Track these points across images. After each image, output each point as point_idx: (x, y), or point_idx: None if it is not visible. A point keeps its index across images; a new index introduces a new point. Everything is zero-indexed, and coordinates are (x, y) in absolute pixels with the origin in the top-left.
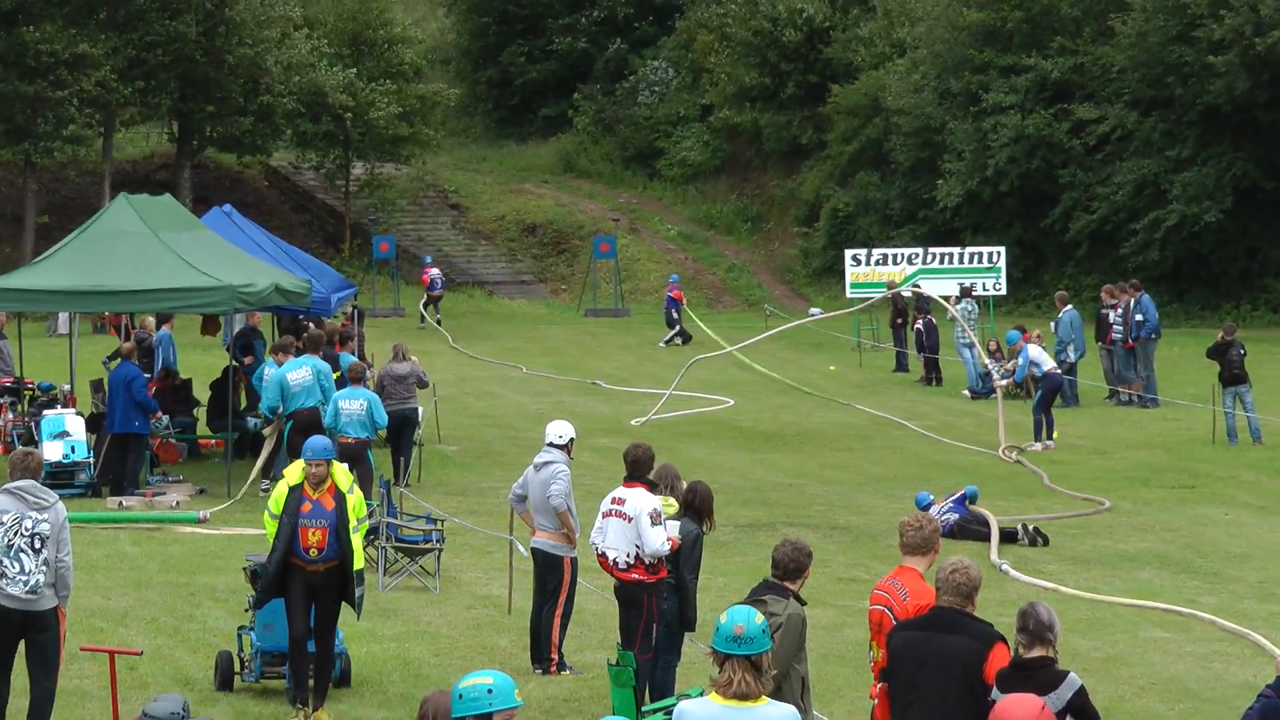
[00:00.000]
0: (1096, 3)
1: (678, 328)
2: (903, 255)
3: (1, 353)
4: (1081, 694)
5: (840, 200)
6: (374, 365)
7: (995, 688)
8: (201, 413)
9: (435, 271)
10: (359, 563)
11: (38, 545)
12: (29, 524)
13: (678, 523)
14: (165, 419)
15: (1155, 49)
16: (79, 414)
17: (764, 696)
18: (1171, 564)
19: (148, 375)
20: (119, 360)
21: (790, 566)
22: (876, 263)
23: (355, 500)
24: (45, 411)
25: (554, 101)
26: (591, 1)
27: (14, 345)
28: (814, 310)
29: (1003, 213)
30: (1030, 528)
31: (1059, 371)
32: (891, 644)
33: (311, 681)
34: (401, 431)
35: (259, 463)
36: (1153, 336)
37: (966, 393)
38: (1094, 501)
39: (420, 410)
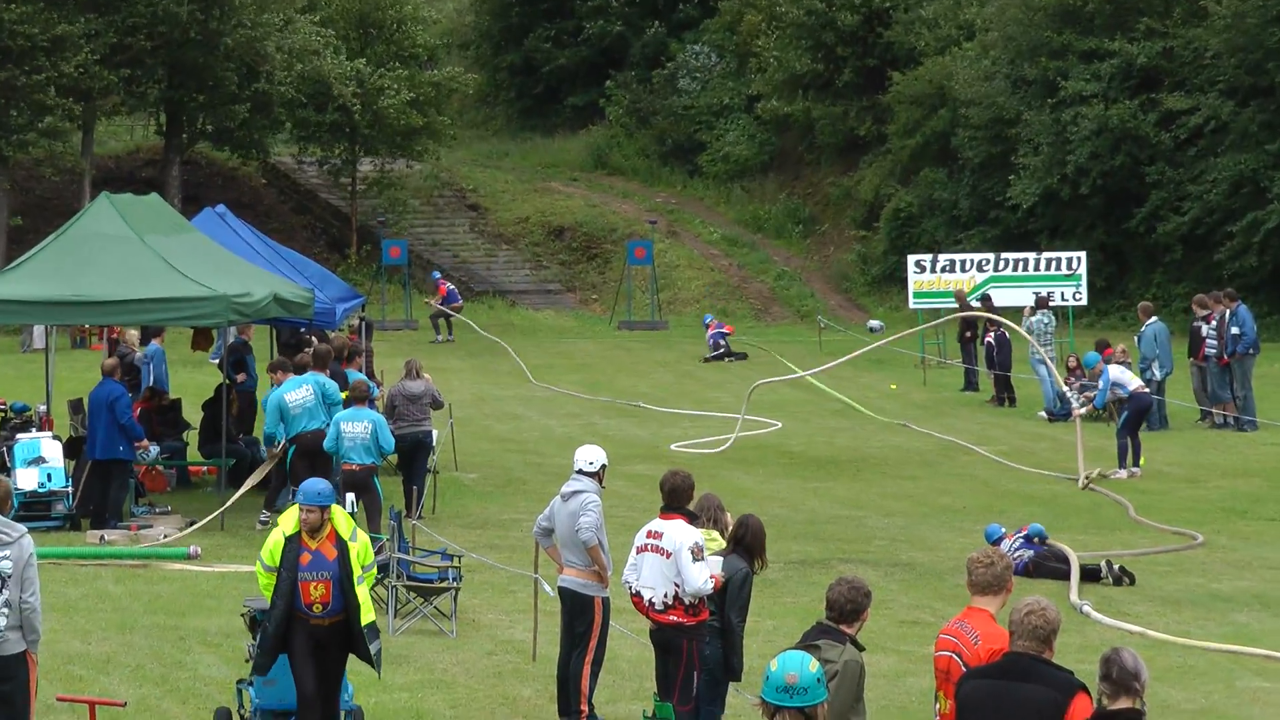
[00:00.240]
0: None
1: (725, 347)
2: (971, 261)
3: None
4: None
5: (902, 200)
6: (383, 384)
7: None
8: (192, 436)
9: (451, 288)
10: (367, 616)
11: None
12: None
13: (720, 559)
14: (154, 450)
15: (1253, 31)
16: (56, 438)
17: None
18: (1272, 605)
19: (132, 395)
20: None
21: (847, 608)
22: (942, 270)
23: (359, 548)
24: (19, 435)
25: (584, 90)
26: None
27: None
28: (873, 323)
29: (1083, 214)
30: (1114, 565)
31: (1147, 390)
32: (961, 694)
33: None
34: (414, 457)
35: (245, 485)
36: (1250, 351)
37: (1043, 414)
38: (1185, 535)
39: (435, 434)
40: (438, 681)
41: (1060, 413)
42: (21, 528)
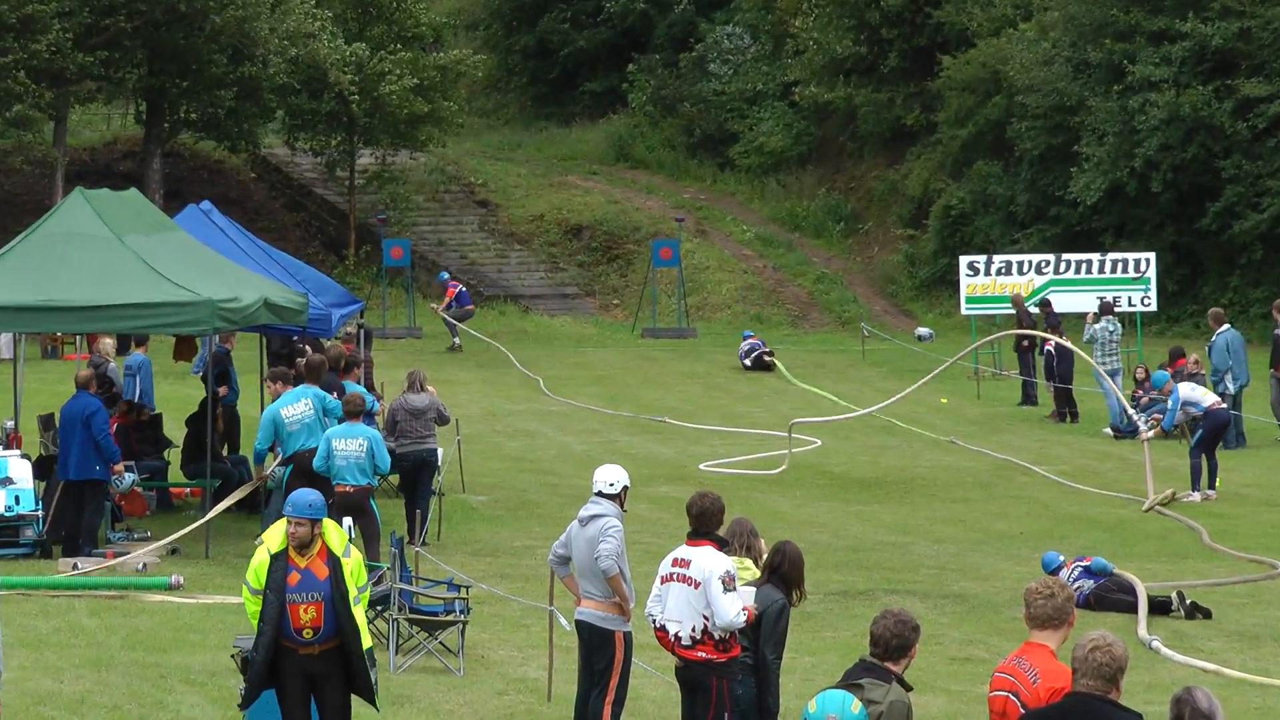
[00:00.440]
0: None
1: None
2: (1030, 263)
3: None
4: None
5: (954, 196)
6: (384, 397)
7: None
8: (174, 455)
9: (461, 289)
10: (366, 640)
11: None
12: None
13: (753, 589)
14: (129, 477)
15: None
16: (25, 456)
17: None
18: None
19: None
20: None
21: (893, 643)
22: (998, 272)
23: (353, 564)
24: None
25: (604, 75)
26: None
27: None
28: (921, 331)
29: (1152, 211)
30: (1186, 596)
31: (1224, 406)
32: None
33: None
34: (418, 478)
35: (221, 504)
36: None
37: (1108, 430)
38: (1264, 564)
39: (440, 452)
40: None
41: (1127, 429)
42: None
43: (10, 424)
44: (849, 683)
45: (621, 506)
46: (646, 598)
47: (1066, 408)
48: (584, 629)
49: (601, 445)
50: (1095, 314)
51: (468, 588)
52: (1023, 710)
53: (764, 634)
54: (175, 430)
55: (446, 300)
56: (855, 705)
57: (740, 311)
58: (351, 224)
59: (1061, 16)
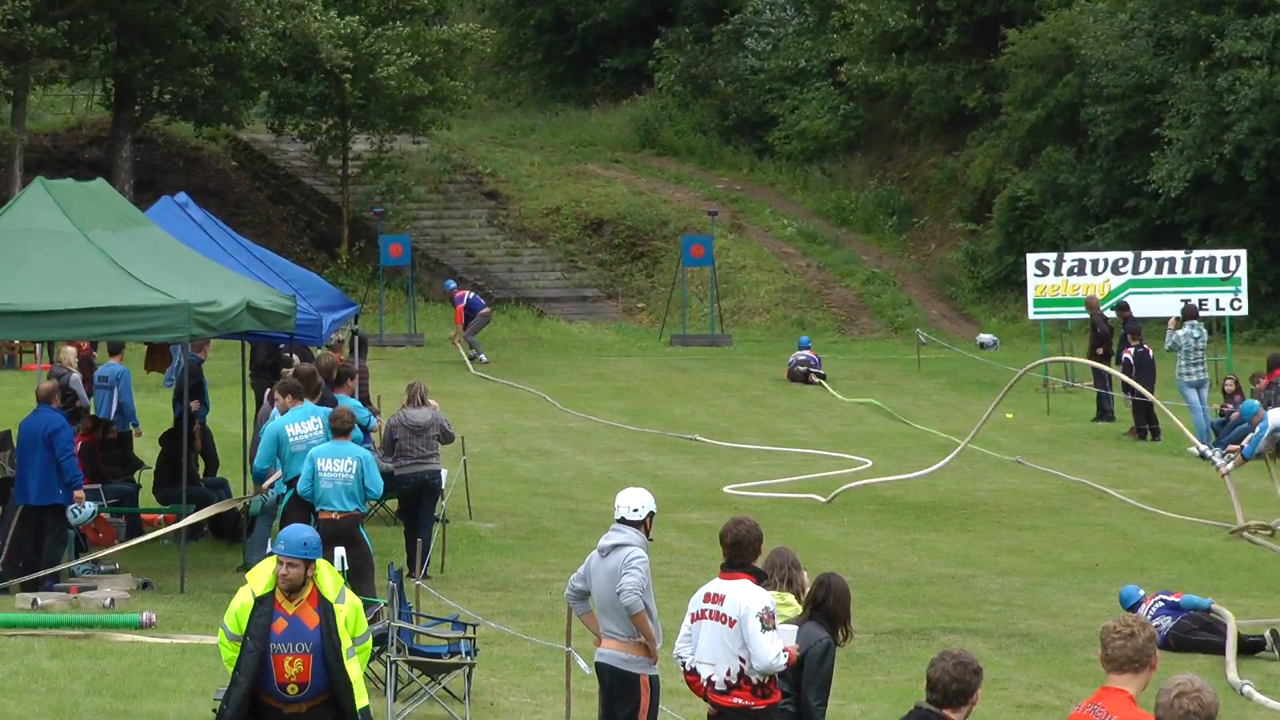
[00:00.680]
0: None
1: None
2: (1105, 262)
3: None
4: None
5: (1020, 186)
6: (381, 412)
7: None
8: (146, 478)
9: (473, 294)
10: (360, 698)
11: None
12: None
13: (794, 628)
14: (89, 507)
15: None
16: None
17: None
18: None
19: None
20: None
21: (952, 688)
22: (1070, 271)
23: (349, 612)
24: None
25: (628, 51)
26: None
27: None
28: (984, 337)
29: (1243, 203)
30: None
31: None
32: None
33: None
34: (419, 502)
35: (192, 517)
36: None
37: (1194, 449)
38: None
39: (444, 474)
40: None
41: (1222, 444)
42: None
43: None
44: None
45: (647, 535)
46: (675, 637)
47: (1147, 424)
48: (605, 672)
49: (624, 466)
50: (1178, 319)
51: (475, 626)
52: None
53: (807, 678)
54: (147, 450)
55: (458, 329)
56: None
57: (780, 316)
58: (345, 218)
59: None
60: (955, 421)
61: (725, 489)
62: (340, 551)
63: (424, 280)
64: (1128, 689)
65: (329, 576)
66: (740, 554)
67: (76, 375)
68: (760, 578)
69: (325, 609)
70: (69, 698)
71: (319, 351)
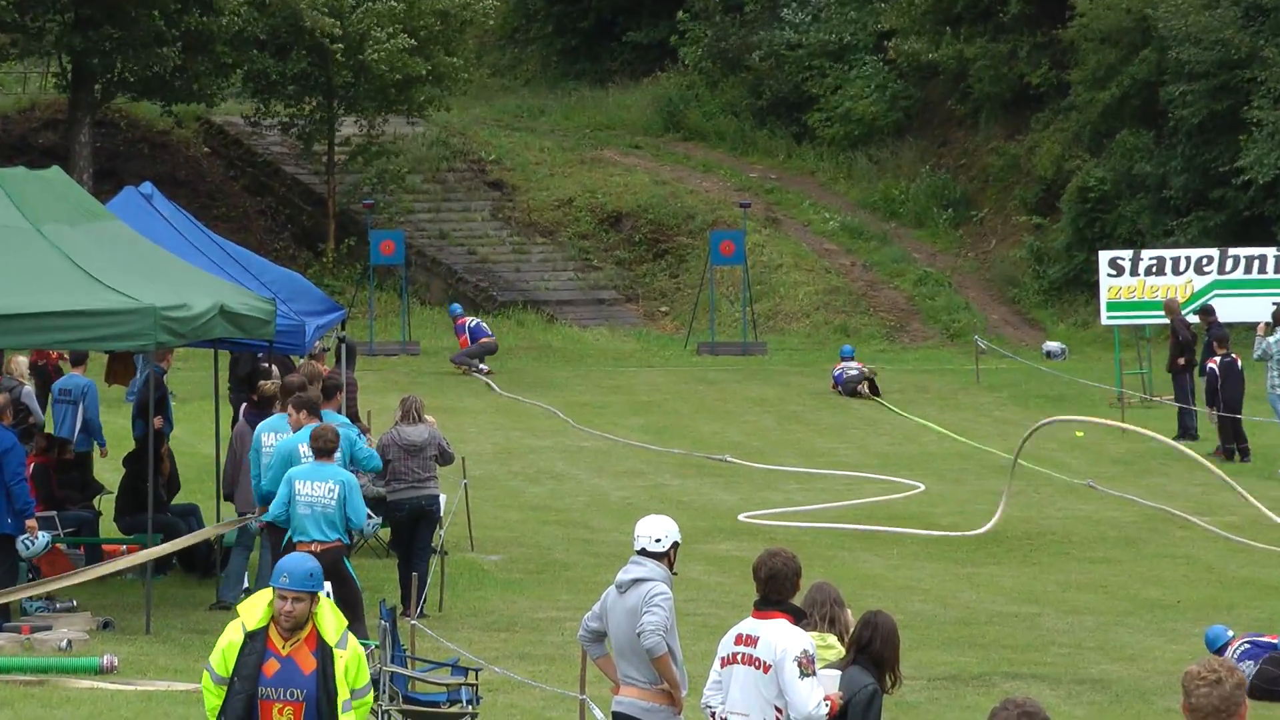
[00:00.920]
0: None
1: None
2: (1187, 260)
3: None
4: None
5: (1092, 175)
6: (371, 430)
7: None
8: (107, 504)
9: (478, 320)
10: None
11: None
12: None
13: (837, 673)
14: (43, 537)
15: None
16: None
17: None
18: None
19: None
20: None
21: None
22: (1147, 271)
23: (350, 660)
24: None
25: (649, 23)
26: None
27: None
28: (1050, 345)
29: None
30: None
31: None
32: None
33: None
34: (415, 531)
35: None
36: None
37: None
38: None
39: (443, 499)
40: None
41: None
42: None
43: None
44: None
45: (671, 568)
46: (703, 684)
47: (1234, 442)
48: None
49: (646, 491)
50: (1269, 324)
51: (477, 671)
52: None
53: None
54: (107, 472)
55: (467, 363)
56: None
57: (821, 321)
58: (330, 211)
59: None
60: (1018, 440)
61: (740, 516)
62: (326, 588)
63: (419, 281)
64: None
65: (331, 616)
66: (776, 590)
67: (29, 388)
68: (798, 617)
69: (324, 653)
70: None
71: (300, 361)
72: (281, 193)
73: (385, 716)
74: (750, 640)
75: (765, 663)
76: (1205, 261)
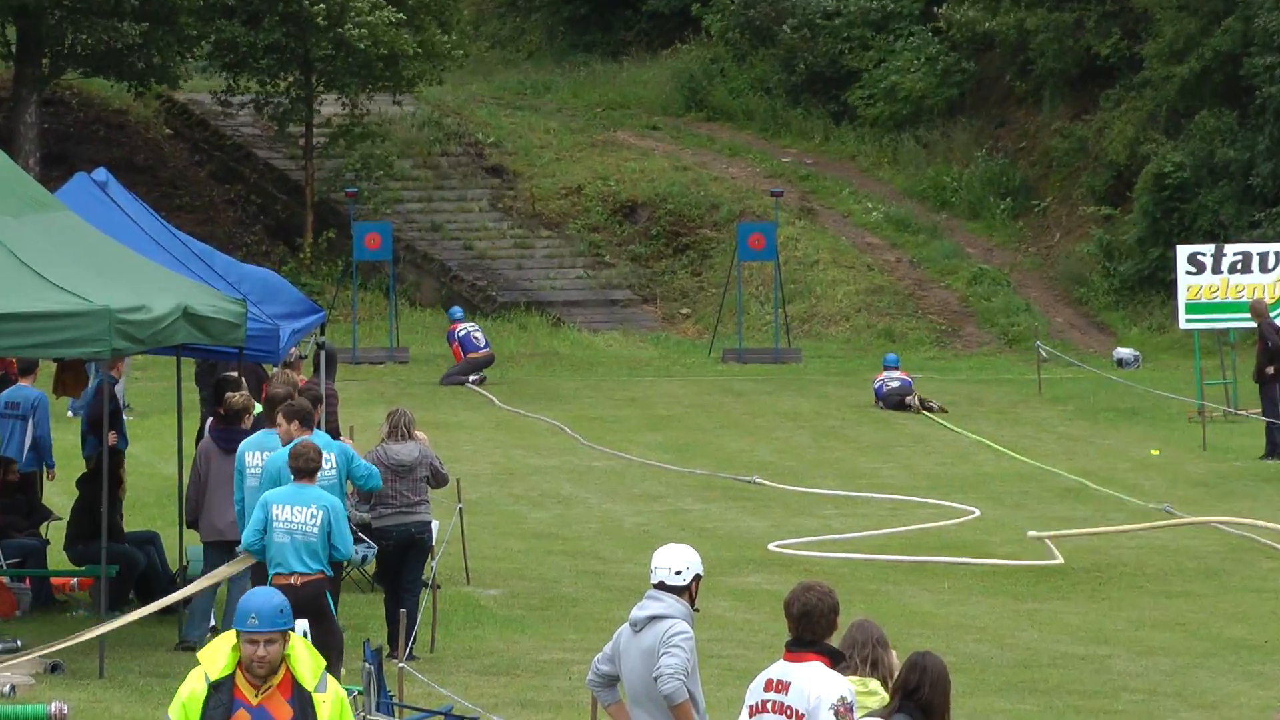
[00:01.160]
0: None
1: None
2: (1277, 255)
3: None
4: None
5: (1168, 160)
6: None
7: None
8: (57, 531)
9: (471, 329)
10: None
11: None
12: None
13: None
14: None
15: None
16: None
17: None
18: None
19: None
20: None
21: None
22: (1231, 268)
23: (333, 704)
24: None
25: None
26: None
27: None
28: (1122, 352)
29: None
30: None
31: None
32: None
33: None
34: (403, 563)
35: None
36: None
37: None
38: None
39: (435, 526)
40: None
41: None
42: None
43: None
44: None
45: (692, 604)
46: None
47: None
48: None
49: (664, 516)
50: None
51: (474, 719)
52: None
53: None
54: (57, 496)
55: (456, 382)
56: None
57: (863, 325)
58: (308, 200)
59: None
60: (1085, 459)
61: (770, 546)
62: (303, 626)
63: (409, 280)
64: None
65: (306, 657)
66: (811, 629)
67: (19, 398)
68: (836, 659)
69: (302, 700)
70: None
71: (275, 370)
72: (253, 180)
73: None
74: (782, 686)
75: (798, 711)
76: None
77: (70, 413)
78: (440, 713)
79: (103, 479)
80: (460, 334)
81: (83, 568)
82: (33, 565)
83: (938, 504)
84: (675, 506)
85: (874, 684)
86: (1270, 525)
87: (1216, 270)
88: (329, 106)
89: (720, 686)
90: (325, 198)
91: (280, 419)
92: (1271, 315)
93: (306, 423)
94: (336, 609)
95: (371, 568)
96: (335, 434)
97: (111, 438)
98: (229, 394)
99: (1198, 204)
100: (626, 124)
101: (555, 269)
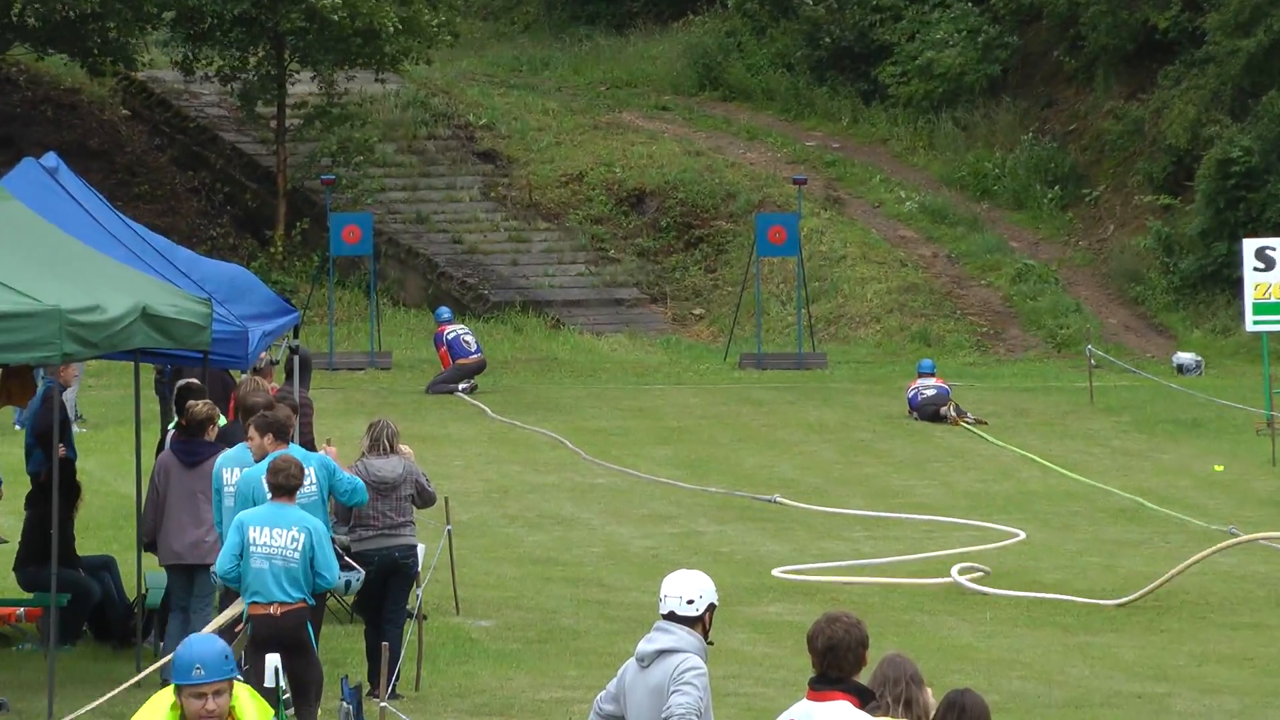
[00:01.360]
0: None
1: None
2: None
3: None
4: None
5: (1235, 144)
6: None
7: None
8: (3, 555)
9: (461, 332)
10: None
11: None
12: None
13: None
14: None
15: None
16: None
17: None
18: None
19: None
20: None
21: None
22: None
23: None
24: None
25: None
26: None
27: None
28: (1182, 357)
29: None
30: None
31: None
32: None
33: None
34: (385, 591)
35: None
36: None
37: None
38: None
39: (421, 550)
40: None
41: None
42: None
43: None
44: None
45: (705, 636)
46: None
47: None
48: None
49: (675, 539)
50: None
51: None
52: None
53: None
54: (3, 517)
55: (444, 391)
56: None
57: (895, 327)
58: (281, 189)
59: None
60: (1142, 476)
61: (775, 571)
62: (275, 661)
63: (392, 277)
64: None
65: (251, 705)
66: (836, 664)
67: None
68: (865, 698)
69: None
70: None
71: (243, 377)
72: (219, 166)
73: None
74: None
75: None
76: None
77: (16, 424)
78: None
79: (53, 498)
80: (449, 337)
81: (31, 595)
82: None
83: (979, 525)
84: (687, 528)
85: None
86: None
87: None
88: (302, 85)
89: None
90: (299, 186)
91: (253, 431)
92: None
93: (281, 436)
94: (317, 641)
95: (351, 596)
96: (310, 446)
97: (62, 449)
98: (191, 403)
99: (1266, 193)
100: (633, 104)
101: (554, 265)
